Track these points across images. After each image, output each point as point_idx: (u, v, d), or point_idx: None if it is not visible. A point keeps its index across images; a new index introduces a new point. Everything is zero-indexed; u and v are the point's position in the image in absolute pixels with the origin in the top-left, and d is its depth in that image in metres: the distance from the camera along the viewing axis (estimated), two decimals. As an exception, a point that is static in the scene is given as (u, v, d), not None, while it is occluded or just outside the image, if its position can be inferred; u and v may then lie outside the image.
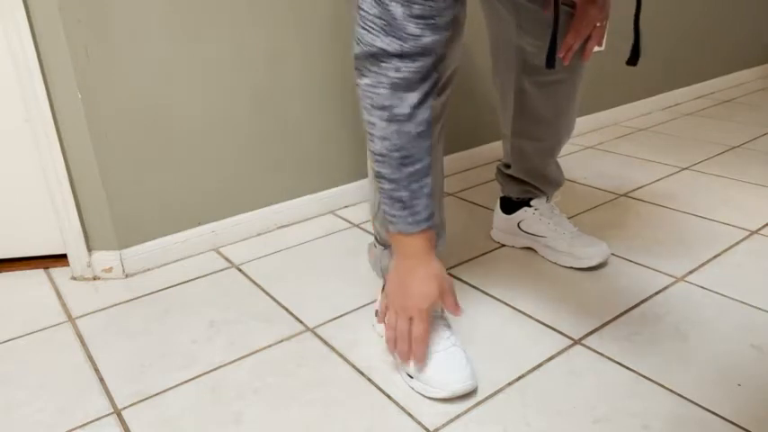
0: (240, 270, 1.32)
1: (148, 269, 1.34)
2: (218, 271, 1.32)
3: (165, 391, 0.95)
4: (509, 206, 1.33)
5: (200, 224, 1.40)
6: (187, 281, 1.29)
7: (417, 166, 0.84)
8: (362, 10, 0.77)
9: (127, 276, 1.31)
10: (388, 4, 0.74)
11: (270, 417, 0.88)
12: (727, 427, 0.83)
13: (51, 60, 1.15)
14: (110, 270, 1.31)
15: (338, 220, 1.55)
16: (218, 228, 1.42)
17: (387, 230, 0.92)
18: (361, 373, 0.97)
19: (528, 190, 1.29)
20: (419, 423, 0.86)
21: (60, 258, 1.34)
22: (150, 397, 0.94)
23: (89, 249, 1.30)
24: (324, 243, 1.43)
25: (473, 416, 0.87)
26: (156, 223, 1.34)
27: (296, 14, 1.39)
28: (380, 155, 0.83)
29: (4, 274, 1.34)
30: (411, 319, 0.89)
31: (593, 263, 1.23)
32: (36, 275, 1.33)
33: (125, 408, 0.92)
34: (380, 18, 0.75)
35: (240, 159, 1.42)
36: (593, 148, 2.02)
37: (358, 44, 0.79)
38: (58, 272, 1.34)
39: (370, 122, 0.82)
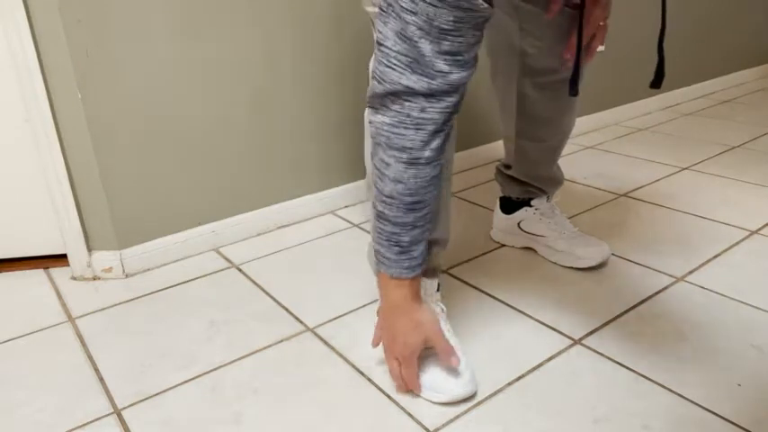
0: (240, 270, 1.32)
1: (148, 269, 1.34)
2: (218, 271, 1.32)
3: (165, 391, 0.95)
4: (509, 206, 1.33)
5: (200, 224, 1.40)
6: (187, 281, 1.29)
7: (425, 211, 0.82)
8: (384, 47, 0.74)
9: (127, 276, 1.31)
10: (416, 42, 0.71)
11: (270, 417, 0.88)
12: (727, 427, 0.83)
13: (51, 60, 1.15)
14: (110, 270, 1.31)
15: (338, 220, 1.55)
16: (218, 228, 1.42)
17: (376, 270, 0.90)
18: (361, 373, 0.97)
19: (528, 190, 1.29)
20: (419, 423, 0.86)
21: (60, 258, 1.34)
22: (150, 397, 0.94)
23: (89, 249, 1.30)
24: (324, 243, 1.43)
25: (473, 416, 0.87)
26: (156, 223, 1.34)
27: (296, 15, 1.39)
28: (389, 197, 0.80)
29: (4, 274, 1.34)
30: (400, 360, 0.89)
31: (594, 263, 1.23)
32: (36, 275, 1.33)
33: (125, 408, 0.92)
34: (406, 55, 0.73)
35: (240, 159, 1.42)
36: (593, 148, 2.02)
37: (380, 83, 0.76)
38: (58, 272, 1.34)
39: (384, 162, 0.79)
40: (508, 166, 1.29)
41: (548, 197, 1.30)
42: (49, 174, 1.22)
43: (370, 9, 0.88)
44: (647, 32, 2.24)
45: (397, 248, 0.84)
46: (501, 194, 1.35)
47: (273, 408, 0.90)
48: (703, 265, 1.25)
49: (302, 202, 1.55)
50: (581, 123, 2.15)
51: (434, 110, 0.76)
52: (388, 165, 0.79)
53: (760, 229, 1.39)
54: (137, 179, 1.29)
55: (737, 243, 1.33)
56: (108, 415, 0.90)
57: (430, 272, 1.01)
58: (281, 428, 0.86)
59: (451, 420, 0.86)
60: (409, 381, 0.90)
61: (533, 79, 1.13)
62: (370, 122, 0.80)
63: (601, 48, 1.11)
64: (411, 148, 0.77)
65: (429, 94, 0.75)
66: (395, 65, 0.74)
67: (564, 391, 0.91)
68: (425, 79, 0.74)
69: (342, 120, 1.55)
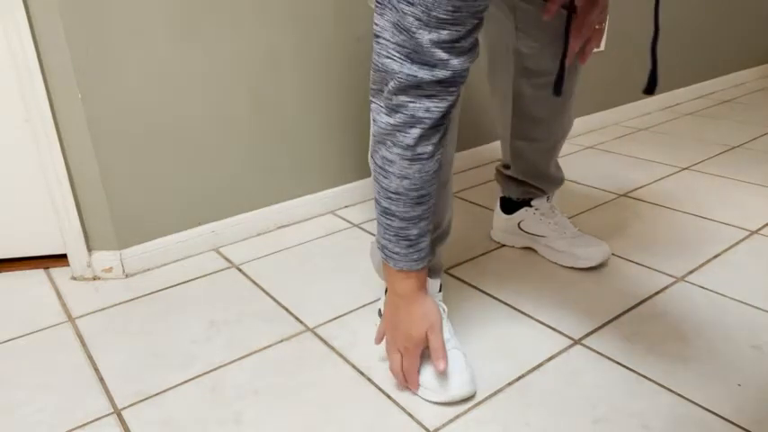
0: (240, 270, 1.32)
1: (148, 269, 1.34)
2: (218, 271, 1.32)
3: (165, 391, 0.95)
4: (509, 206, 1.33)
5: (200, 224, 1.40)
6: (187, 281, 1.29)
7: (430, 203, 0.83)
8: (382, 38, 0.74)
9: (127, 276, 1.31)
10: (414, 32, 0.71)
11: (270, 417, 0.88)
12: (727, 427, 0.83)
13: (51, 60, 1.15)
14: (110, 270, 1.31)
15: (338, 220, 1.55)
16: (218, 228, 1.42)
17: (383, 266, 0.90)
18: (361, 373, 0.97)
19: (528, 190, 1.29)
20: (419, 423, 0.86)
21: (60, 258, 1.34)
22: (150, 397, 0.94)
23: (89, 249, 1.30)
24: (324, 243, 1.43)
25: (473, 416, 0.87)
26: (156, 223, 1.34)
27: (296, 15, 1.39)
28: (396, 193, 0.81)
29: (4, 274, 1.34)
30: (403, 352, 0.90)
31: (594, 263, 1.23)
32: (36, 275, 1.33)
33: (125, 408, 0.92)
34: (404, 46, 0.73)
35: (240, 159, 1.42)
36: (593, 148, 2.02)
37: (381, 72, 0.76)
38: (58, 272, 1.34)
39: (388, 159, 0.80)
40: (507, 166, 1.29)
41: (548, 197, 1.30)
42: (49, 174, 1.22)
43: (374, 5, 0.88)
44: (647, 32, 2.24)
45: (405, 242, 0.85)
46: (501, 195, 1.35)
47: (273, 408, 0.90)
48: (703, 265, 1.25)
49: (302, 202, 1.55)
50: (581, 123, 2.15)
51: (438, 109, 0.76)
52: (392, 162, 0.80)
53: (760, 229, 1.39)
54: (137, 179, 1.29)
55: (737, 243, 1.33)
56: (108, 415, 0.90)
57: (433, 271, 1.01)
58: (281, 428, 0.86)
59: (451, 420, 0.86)
60: (409, 375, 0.90)
61: (529, 80, 1.13)
62: (373, 120, 0.80)
63: (597, 48, 1.11)
64: (415, 146, 0.78)
65: (435, 82, 0.75)
66: (394, 56, 0.74)
67: (564, 391, 0.91)
68: (426, 68, 0.73)
69: (342, 120, 1.55)
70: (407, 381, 0.91)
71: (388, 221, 0.84)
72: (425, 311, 0.88)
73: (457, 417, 0.87)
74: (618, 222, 1.46)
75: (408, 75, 0.74)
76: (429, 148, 0.79)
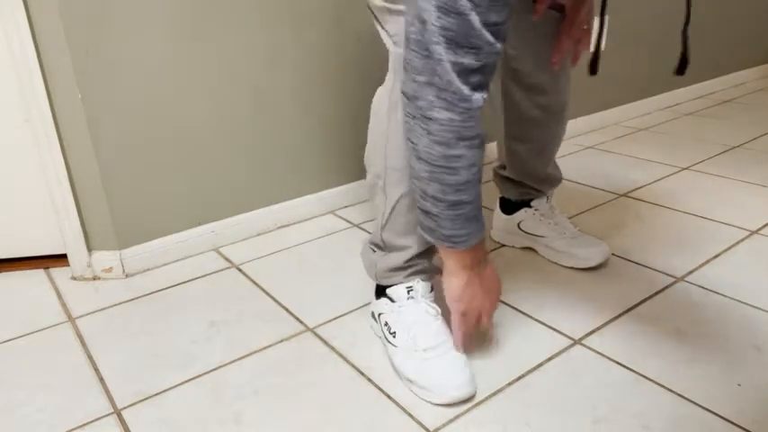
0: (240, 270, 1.32)
1: (148, 269, 1.34)
2: (218, 271, 1.32)
3: (165, 391, 0.95)
4: (509, 206, 1.33)
5: (200, 224, 1.40)
6: (187, 281, 1.29)
7: (480, 176, 0.86)
8: (427, 23, 0.73)
9: (127, 276, 1.31)
10: (467, 14, 0.71)
11: (270, 417, 0.88)
12: (727, 427, 0.83)
13: (51, 60, 1.15)
14: (110, 270, 1.31)
15: (338, 220, 1.55)
16: (218, 228, 1.42)
17: (444, 253, 0.91)
18: (361, 373, 0.97)
19: (526, 191, 1.29)
20: (419, 423, 0.86)
21: (60, 258, 1.34)
22: (150, 397, 0.94)
23: (89, 249, 1.30)
24: (324, 243, 1.43)
25: (473, 416, 0.87)
26: (156, 223, 1.34)
27: (296, 14, 1.39)
28: (466, 182, 0.82)
29: (4, 274, 1.34)
30: (479, 317, 0.95)
31: (594, 263, 1.23)
32: (36, 275, 1.33)
33: (125, 408, 0.92)
34: (450, 29, 0.72)
35: (240, 159, 1.42)
36: (593, 148, 2.02)
37: (426, 58, 0.75)
38: (58, 272, 1.34)
39: (455, 156, 0.80)
40: (503, 167, 1.29)
41: (547, 198, 1.30)
42: (49, 174, 1.22)
43: (379, 3, 0.88)
44: (646, 33, 2.24)
45: (474, 219, 0.86)
46: (500, 195, 1.35)
47: (273, 408, 0.90)
48: (703, 265, 1.25)
49: (302, 202, 1.55)
50: (581, 123, 2.15)
51: (482, 96, 0.78)
52: (459, 156, 0.80)
53: (760, 229, 1.39)
54: (137, 179, 1.29)
55: (737, 243, 1.33)
56: (108, 415, 0.90)
57: (426, 274, 1.01)
58: (281, 428, 0.86)
59: (451, 420, 0.86)
60: (468, 335, 0.95)
61: (517, 81, 1.13)
62: (429, 119, 0.78)
63: (588, 50, 1.11)
64: (477, 134, 0.81)
65: (476, 69, 0.75)
66: (440, 41, 0.73)
67: (564, 391, 0.91)
68: (473, 51, 0.74)
69: (342, 120, 1.55)
70: (466, 341, 0.95)
71: (457, 212, 0.84)
72: (492, 273, 0.94)
73: (457, 417, 0.87)
74: (618, 222, 1.46)
75: (453, 61, 0.74)
76: (479, 130, 0.81)
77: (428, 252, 0.99)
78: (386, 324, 0.99)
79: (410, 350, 0.94)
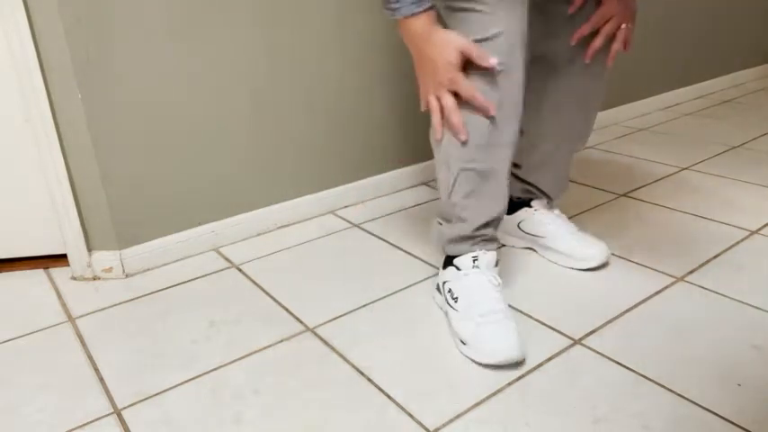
0: (240, 270, 1.32)
1: (148, 269, 1.34)
2: (218, 271, 1.32)
3: (165, 391, 0.95)
4: (509, 206, 1.33)
5: (200, 224, 1.40)
6: (187, 281, 1.29)
7: None
8: None
9: (127, 276, 1.31)
10: None
11: (270, 417, 0.88)
12: (727, 427, 0.83)
13: (51, 60, 1.15)
14: (110, 270, 1.31)
15: (338, 220, 1.55)
16: (218, 228, 1.42)
17: (396, 19, 0.93)
18: (361, 373, 0.97)
19: (529, 190, 1.29)
20: (419, 423, 0.86)
21: (60, 258, 1.34)
22: (150, 397, 0.94)
23: (89, 249, 1.30)
24: (324, 243, 1.43)
25: (473, 416, 0.87)
26: (156, 223, 1.34)
27: (296, 14, 1.39)
28: None
29: (4, 274, 1.34)
30: (441, 96, 0.95)
31: (594, 264, 1.23)
32: (36, 275, 1.33)
33: (125, 408, 0.92)
34: None
35: (240, 159, 1.42)
36: (592, 148, 2.02)
37: None
38: (58, 272, 1.34)
39: None
40: (516, 165, 1.28)
41: (549, 201, 1.30)
42: (49, 174, 1.22)
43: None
44: (646, 33, 2.24)
45: None
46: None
47: (273, 408, 0.90)
48: (703, 265, 1.25)
49: (302, 202, 1.55)
50: (581, 123, 2.15)
51: None
52: None
53: (760, 229, 1.39)
54: (137, 179, 1.29)
55: (737, 243, 1.33)
56: (108, 415, 0.90)
57: (491, 243, 1.08)
58: (280, 428, 0.86)
59: (451, 420, 0.86)
60: (451, 114, 0.95)
61: (545, 70, 1.14)
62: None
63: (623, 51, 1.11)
64: None
65: None
66: None
67: (564, 391, 0.91)
68: None
69: (342, 119, 1.55)
70: (452, 123, 0.96)
71: None
72: (446, 38, 0.91)
73: (457, 417, 0.87)
74: (618, 222, 1.46)
75: None
76: None
77: (493, 223, 1.06)
78: (449, 291, 1.06)
79: (468, 315, 1.00)
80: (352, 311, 1.14)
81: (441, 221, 1.11)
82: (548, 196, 1.29)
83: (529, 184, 1.28)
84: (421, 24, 0.92)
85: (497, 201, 1.05)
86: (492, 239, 1.09)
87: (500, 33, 0.91)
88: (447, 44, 0.92)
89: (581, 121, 1.21)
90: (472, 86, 0.93)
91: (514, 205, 1.31)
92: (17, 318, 1.17)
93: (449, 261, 1.10)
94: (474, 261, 1.06)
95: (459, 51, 0.91)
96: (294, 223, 1.54)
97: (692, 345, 1.00)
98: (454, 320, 1.03)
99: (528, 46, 1.05)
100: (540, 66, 1.14)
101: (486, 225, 1.06)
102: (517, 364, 0.96)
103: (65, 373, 1.00)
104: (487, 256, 1.07)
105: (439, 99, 0.95)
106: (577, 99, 1.17)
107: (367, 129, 1.60)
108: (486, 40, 0.92)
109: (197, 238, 1.40)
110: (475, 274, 1.05)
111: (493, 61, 0.91)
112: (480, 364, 0.96)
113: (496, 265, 1.09)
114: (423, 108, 1.00)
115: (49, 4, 1.11)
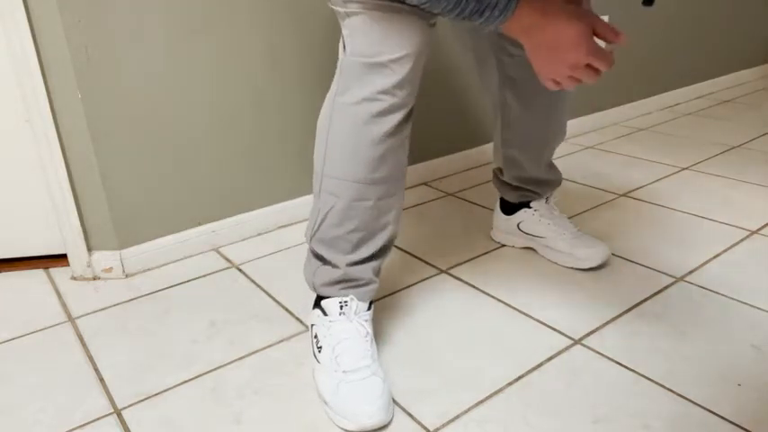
0: (240, 270, 1.32)
1: (148, 269, 1.34)
2: (218, 271, 1.32)
3: (165, 391, 0.95)
4: (509, 207, 1.33)
5: (200, 224, 1.40)
6: (187, 281, 1.29)
7: None
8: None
9: (127, 276, 1.31)
10: None
11: (270, 417, 0.88)
12: (727, 427, 0.83)
13: (51, 60, 1.15)
14: (110, 270, 1.31)
15: (338, 220, 1.55)
16: (218, 228, 1.42)
17: (511, 23, 0.79)
18: (361, 373, 0.97)
19: (524, 194, 1.29)
20: (419, 423, 0.86)
21: (60, 258, 1.34)
22: (150, 397, 0.94)
23: (89, 249, 1.30)
24: (324, 243, 1.43)
25: (473, 416, 0.87)
26: (156, 223, 1.34)
27: (296, 14, 1.39)
28: None
29: (4, 274, 1.34)
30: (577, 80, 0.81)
31: (594, 263, 1.23)
32: (36, 275, 1.33)
33: (125, 408, 0.92)
34: None
35: (240, 159, 1.42)
36: (593, 148, 2.02)
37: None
38: (58, 272, 1.34)
39: None
40: (501, 170, 1.29)
41: (546, 198, 1.30)
42: (49, 174, 1.22)
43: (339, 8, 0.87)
44: (646, 33, 2.24)
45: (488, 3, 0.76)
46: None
47: (273, 408, 0.90)
48: (703, 265, 1.25)
49: (302, 202, 1.55)
50: (581, 123, 2.15)
51: None
52: None
53: (760, 229, 1.39)
54: (137, 179, 1.29)
55: (737, 243, 1.33)
56: (108, 415, 0.90)
57: (362, 290, 0.96)
58: (281, 428, 0.86)
59: (451, 420, 0.86)
60: (598, 54, 0.78)
61: (513, 90, 1.14)
62: None
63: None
64: None
65: None
66: None
67: (564, 391, 0.91)
68: None
69: (342, 120, 1.55)
70: (601, 60, 0.78)
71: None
72: (571, 9, 0.77)
73: (457, 417, 0.87)
74: (618, 222, 1.46)
75: None
76: None
77: (367, 268, 0.95)
78: (315, 336, 0.96)
79: (331, 370, 0.89)
80: (352, 311, 1.14)
81: (311, 259, 0.99)
82: (539, 194, 1.29)
83: (520, 188, 1.28)
84: (530, 14, 0.77)
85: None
86: (365, 286, 0.96)
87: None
88: (571, 24, 0.77)
89: (556, 129, 1.20)
90: (596, 45, 0.79)
91: (514, 206, 1.32)
92: (17, 318, 1.17)
93: (317, 301, 0.99)
94: (341, 307, 0.94)
95: (588, 27, 0.77)
96: (294, 223, 1.54)
97: (692, 345, 1.00)
98: (316, 373, 0.92)
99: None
100: (500, 76, 1.12)
101: (360, 271, 0.94)
102: (382, 428, 0.85)
103: (65, 373, 1.00)
104: (357, 302, 0.94)
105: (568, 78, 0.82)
106: (543, 109, 1.16)
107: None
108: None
109: (197, 238, 1.40)
110: (342, 323, 0.93)
111: (622, 37, 0.79)
112: (340, 428, 0.85)
113: (369, 308, 0.97)
114: (553, 87, 0.85)
115: (49, 4, 1.11)
